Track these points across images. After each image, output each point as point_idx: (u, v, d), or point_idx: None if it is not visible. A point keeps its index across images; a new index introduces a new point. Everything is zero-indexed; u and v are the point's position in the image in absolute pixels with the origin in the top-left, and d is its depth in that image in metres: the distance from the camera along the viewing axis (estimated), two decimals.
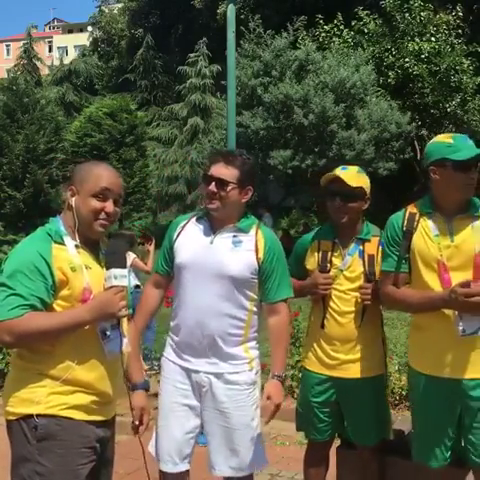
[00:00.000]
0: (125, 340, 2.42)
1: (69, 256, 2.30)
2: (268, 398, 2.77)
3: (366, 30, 18.50)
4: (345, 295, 3.07)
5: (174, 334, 2.95)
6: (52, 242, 2.30)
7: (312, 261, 3.18)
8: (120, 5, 43.50)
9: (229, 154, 2.94)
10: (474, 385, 2.73)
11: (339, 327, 3.08)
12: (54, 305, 2.27)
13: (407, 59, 17.23)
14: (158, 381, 3.11)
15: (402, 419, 3.19)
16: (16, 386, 2.31)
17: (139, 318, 2.94)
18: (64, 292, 2.27)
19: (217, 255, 2.82)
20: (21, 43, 48.67)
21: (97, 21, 44.63)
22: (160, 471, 2.89)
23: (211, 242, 2.85)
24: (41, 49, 52.32)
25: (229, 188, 2.81)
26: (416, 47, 17.30)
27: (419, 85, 17.36)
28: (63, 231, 2.35)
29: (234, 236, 2.85)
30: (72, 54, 56.03)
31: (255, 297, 2.88)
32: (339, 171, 3.11)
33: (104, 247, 2.48)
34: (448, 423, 2.78)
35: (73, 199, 2.36)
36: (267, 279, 2.85)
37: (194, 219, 2.97)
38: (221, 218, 2.86)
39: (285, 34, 17.74)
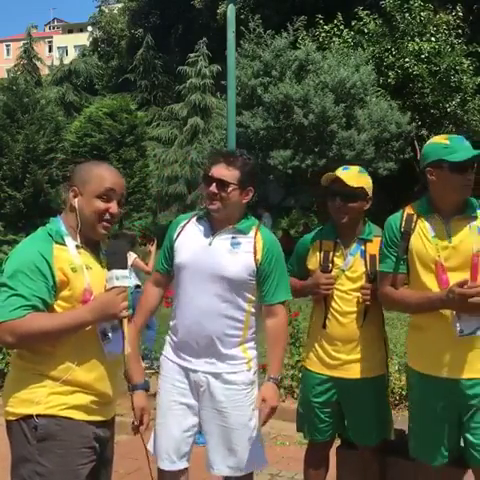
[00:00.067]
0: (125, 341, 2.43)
1: (70, 256, 2.30)
2: (263, 401, 2.77)
3: (366, 30, 18.48)
4: (347, 295, 3.08)
5: (173, 334, 2.96)
6: (53, 242, 2.30)
7: (314, 261, 3.18)
8: (120, 5, 43.49)
9: (230, 155, 2.94)
10: (472, 385, 2.73)
11: (341, 327, 3.08)
12: (55, 306, 2.27)
13: (407, 59, 17.21)
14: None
15: (402, 419, 3.19)
16: (16, 386, 2.31)
17: (139, 316, 2.96)
18: (65, 293, 2.27)
19: (215, 256, 2.82)
20: (21, 43, 48.65)
21: (97, 21, 44.61)
22: (158, 469, 2.90)
23: (210, 243, 2.86)
24: (41, 49, 52.32)
25: (230, 189, 2.81)
26: (416, 47, 17.29)
27: (419, 85, 17.35)
28: (64, 231, 2.35)
29: (233, 238, 2.86)
30: (72, 54, 56.03)
31: (253, 299, 2.88)
32: (340, 171, 3.11)
33: (104, 247, 2.48)
34: (446, 423, 2.79)
35: (76, 200, 2.35)
36: (265, 281, 2.85)
37: (194, 219, 2.97)
38: (221, 219, 2.86)
39: (285, 34, 17.73)
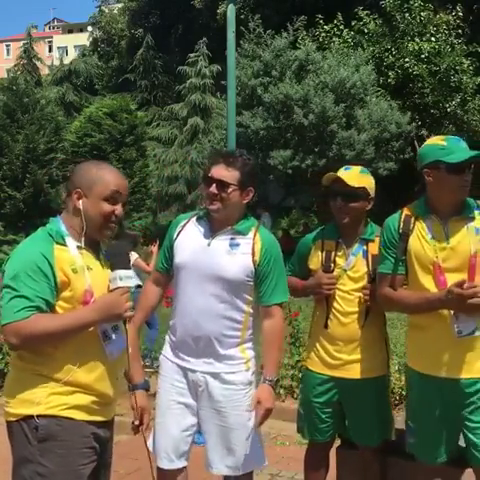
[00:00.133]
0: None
1: (71, 257, 2.31)
2: (258, 402, 2.77)
3: (366, 30, 18.50)
4: (349, 295, 3.07)
5: (172, 333, 2.97)
6: (54, 243, 2.30)
7: (315, 261, 3.18)
8: (120, 5, 43.48)
9: (230, 155, 2.93)
10: (472, 385, 2.74)
11: (342, 327, 3.07)
12: (56, 306, 2.27)
13: (407, 59, 17.23)
14: None
15: (402, 419, 3.19)
16: (16, 387, 2.31)
17: (138, 315, 2.95)
18: (66, 293, 2.27)
19: (214, 257, 2.82)
20: (21, 43, 48.61)
21: (97, 21, 44.60)
22: (157, 467, 2.90)
23: (209, 244, 2.86)
24: (41, 49, 52.28)
25: (230, 190, 2.81)
26: (416, 47, 17.30)
27: (419, 85, 17.37)
28: (64, 232, 2.34)
29: (232, 239, 2.86)
30: (72, 54, 56.02)
31: (252, 299, 2.88)
32: (341, 172, 3.11)
33: (104, 247, 2.49)
34: (446, 423, 2.80)
35: (80, 202, 2.35)
36: (262, 282, 2.85)
37: (194, 219, 2.97)
38: (221, 219, 2.86)
39: (285, 34, 17.75)
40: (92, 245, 2.41)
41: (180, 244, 2.92)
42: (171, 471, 2.89)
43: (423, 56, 17.24)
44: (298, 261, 3.29)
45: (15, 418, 2.29)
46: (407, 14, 17.89)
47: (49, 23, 76.51)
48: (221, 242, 2.85)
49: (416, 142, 17.39)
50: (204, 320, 2.81)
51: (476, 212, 2.81)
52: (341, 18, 18.77)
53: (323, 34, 18.81)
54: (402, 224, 2.85)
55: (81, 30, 59.23)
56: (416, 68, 17.09)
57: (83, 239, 2.36)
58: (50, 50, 63.83)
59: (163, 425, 2.91)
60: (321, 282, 3.08)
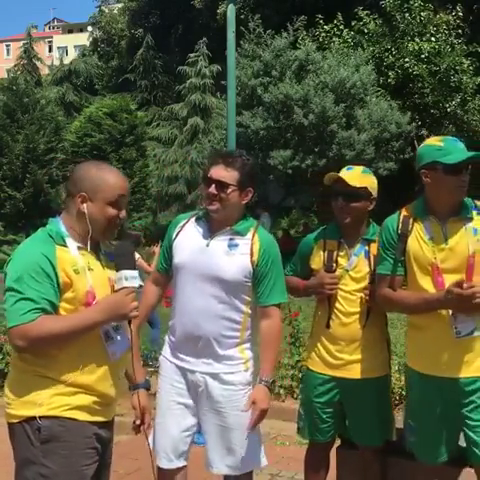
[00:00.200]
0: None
1: (72, 258, 2.30)
2: (254, 403, 2.78)
3: (366, 30, 18.50)
4: (351, 296, 3.07)
5: (171, 334, 2.97)
6: (54, 244, 2.30)
7: (317, 260, 3.17)
8: (120, 5, 43.49)
9: (229, 156, 2.93)
10: (471, 383, 2.74)
11: (344, 327, 3.07)
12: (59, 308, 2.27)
13: (407, 59, 17.23)
14: None
15: (402, 419, 3.19)
16: (18, 388, 2.30)
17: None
18: (68, 294, 2.27)
19: (212, 258, 2.83)
20: (21, 43, 48.65)
21: (97, 21, 44.62)
22: (157, 467, 2.91)
23: (207, 245, 2.86)
24: (41, 49, 52.31)
25: (229, 190, 2.81)
26: (416, 47, 17.30)
27: (419, 85, 17.37)
28: (64, 232, 2.34)
29: (230, 239, 2.86)
30: (72, 54, 56.02)
31: (250, 300, 2.88)
32: (343, 172, 3.11)
33: (104, 247, 2.49)
34: (446, 422, 2.80)
35: (85, 206, 2.34)
36: (260, 282, 2.85)
37: (193, 219, 2.98)
38: (220, 219, 2.87)
39: (285, 34, 17.76)
40: (92, 246, 2.41)
41: (179, 244, 2.93)
42: (170, 470, 2.90)
43: (423, 56, 17.25)
44: (300, 261, 3.29)
45: (17, 420, 2.28)
46: (407, 14, 17.90)
47: (49, 23, 76.50)
48: (220, 243, 2.85)
49: (416, 142, 17.38)
50: (203, 320, 2.81)
51: (474, 212, 2.82)
52: (341, 18, 18.77)
53: (323, 34, 18.81)
54: (401, 225, 2.85)
55: (81, 30, 59.23)
56: (416, 68, 17.09)
57: (89, 242, 2.36)
58: (50, 50, 63.83)
59: (163, 425, 2.92)
60: (323, 282, 3.08)
